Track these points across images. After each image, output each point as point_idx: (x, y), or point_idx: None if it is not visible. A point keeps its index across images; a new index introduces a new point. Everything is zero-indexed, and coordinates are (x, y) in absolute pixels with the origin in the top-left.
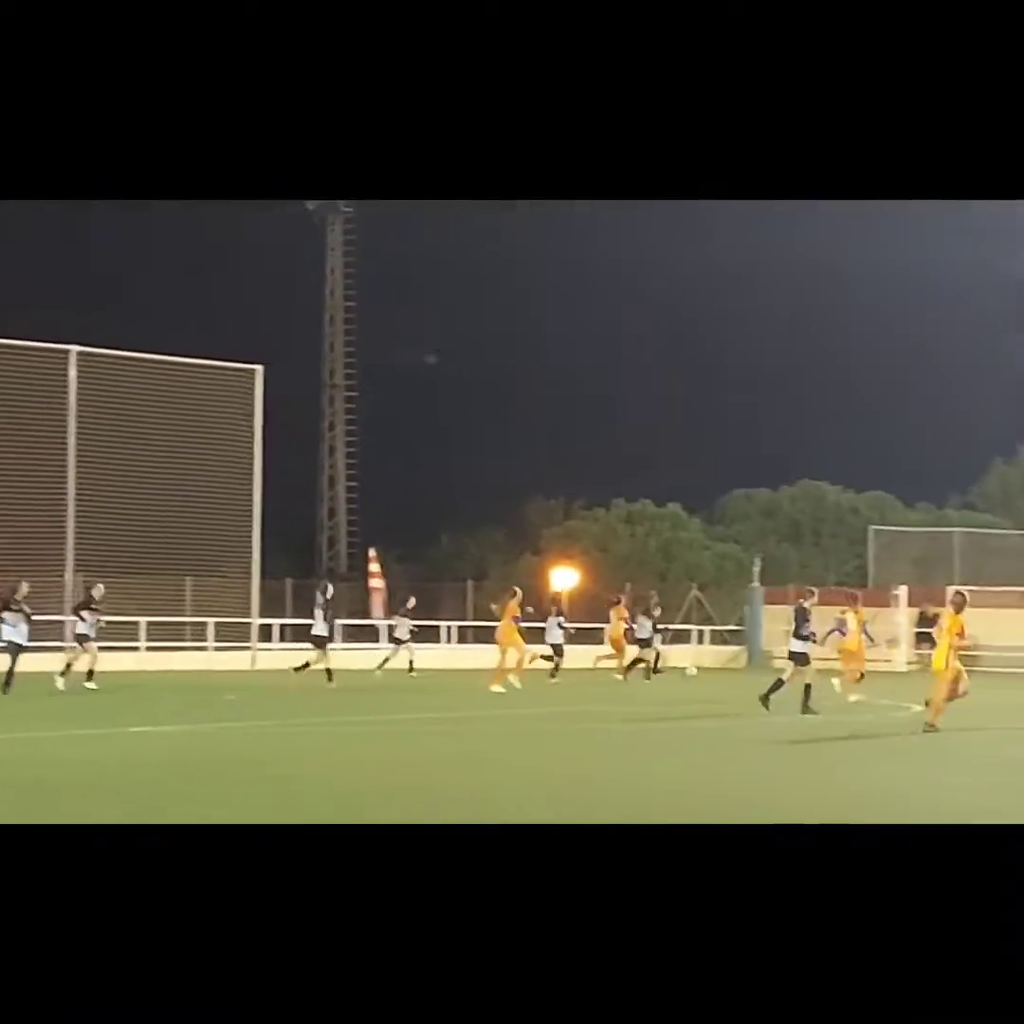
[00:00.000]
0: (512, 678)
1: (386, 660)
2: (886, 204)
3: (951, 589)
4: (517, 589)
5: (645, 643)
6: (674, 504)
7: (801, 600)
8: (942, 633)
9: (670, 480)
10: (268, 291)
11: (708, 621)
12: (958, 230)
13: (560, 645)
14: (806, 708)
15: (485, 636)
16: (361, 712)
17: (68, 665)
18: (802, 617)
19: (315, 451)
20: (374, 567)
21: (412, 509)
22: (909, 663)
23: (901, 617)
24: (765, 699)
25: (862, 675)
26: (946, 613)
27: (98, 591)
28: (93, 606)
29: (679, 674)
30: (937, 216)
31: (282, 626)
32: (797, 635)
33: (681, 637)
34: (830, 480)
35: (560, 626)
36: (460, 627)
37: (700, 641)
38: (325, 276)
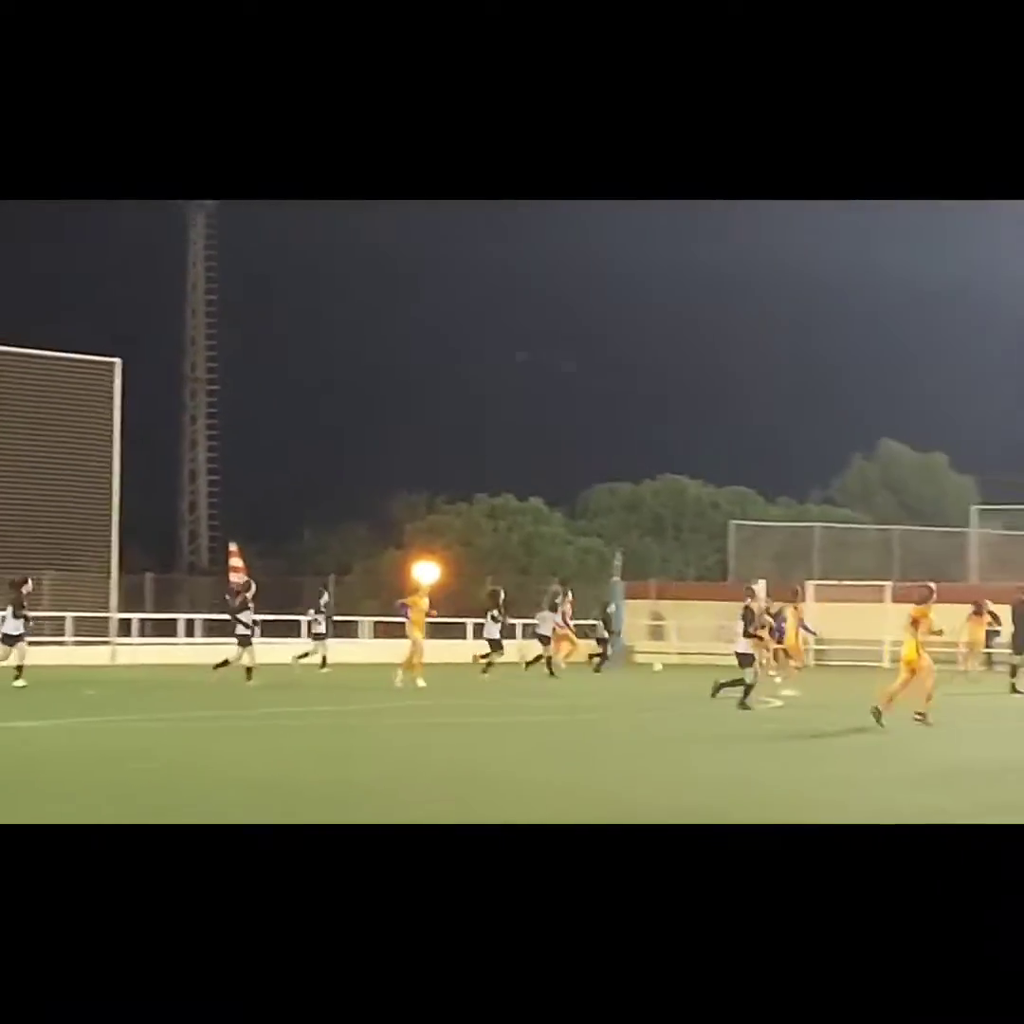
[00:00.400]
0: (398, 675)
1: (324, 659)
2: (765, 201)
3: (806, 583)
4: (422, 585)
5: (545, 639)
6: (536, 499)
7: (747, 599)
8: (906, 628)
9: (532, 475)
10: (129, 284)
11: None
12: (832, 228)
13: (498, 640)
14: (726, 693)
15: (346, 630)
16: (222, 707)
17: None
18: (749, 617)
19: (176, 445)
20: (235, 562)
21: (274, 504)
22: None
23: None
24: (742, 703)
25: (799, 668)
26: (911, 607)
27: (27, 586)
28: (24, 603)
29: (648, 669)
30: (814, 215)
31: (141, 621)
32: (745, 634)
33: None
34: (691, 474)
35: (494, 620)
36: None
37: None
38: (187, 269)
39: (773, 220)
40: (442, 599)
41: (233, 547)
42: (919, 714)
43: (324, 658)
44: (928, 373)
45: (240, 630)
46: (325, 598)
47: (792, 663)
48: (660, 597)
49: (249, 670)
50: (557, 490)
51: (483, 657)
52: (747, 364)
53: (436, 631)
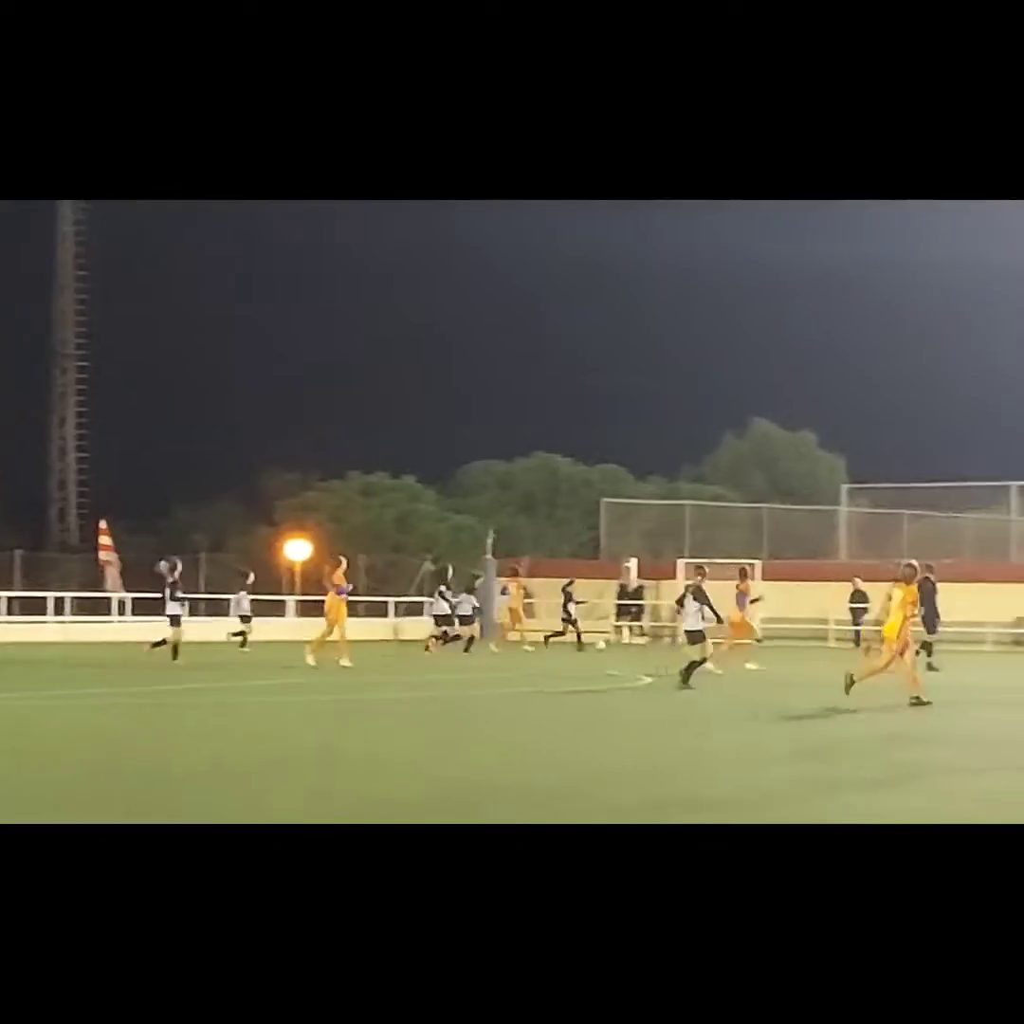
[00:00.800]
0: (343, 657)
1: (242, 635)
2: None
3: (678, 561)
4: (342, 558)
5: (468, 620)
6: (409, 476)
7: (698, 578)
8: (896, 605)
9: (406, 453)
10: None
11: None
12: (708, 215)
13: (448, 616)
14: (684, 681)
15: (220, 609)
16: (99, 684)
17: None
18: (702, 597)
19: (45, 422)
20: (105, 539)
21: (145, 481)
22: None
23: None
24: (685, 678)
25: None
26: (899, 585)
27: None
28: None
29: (591, 648)
30: (691, 201)
31: (9, 599)
32: (697, 613)
33: (414, 610)
34: (563, 453)
35: (444, 598)
36: (191, 599)
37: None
38: (56, 244)
39: (653, 207)
40: (315, 577)
41: (102, 525)
42: (852, 679)
43: (242, 636)
44: (797, 352)
45: (172, 609)
46: (251, 578)
47: (739, 638)
48: (531, 575)
49: (158, 643)
50: (431, 468)
51: (435, 637)
52: (619, 343)
53: (313, 608)
